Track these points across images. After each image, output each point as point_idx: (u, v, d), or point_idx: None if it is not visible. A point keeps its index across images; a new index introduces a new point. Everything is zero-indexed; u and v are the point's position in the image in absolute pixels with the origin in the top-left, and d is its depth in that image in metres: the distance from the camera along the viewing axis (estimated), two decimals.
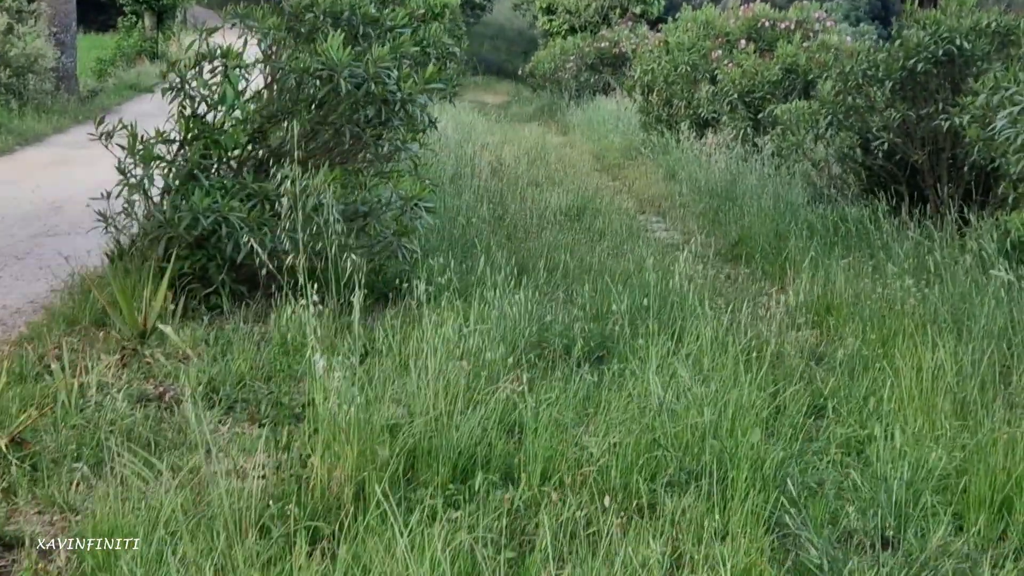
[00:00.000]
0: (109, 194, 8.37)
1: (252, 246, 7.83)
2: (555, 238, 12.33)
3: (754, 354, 7.14)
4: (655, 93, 22.08)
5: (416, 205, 8.50)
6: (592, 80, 34.28)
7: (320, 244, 8.29)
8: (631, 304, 8.36)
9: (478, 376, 6.53)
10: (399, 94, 8.63)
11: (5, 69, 22.78)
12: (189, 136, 8.53)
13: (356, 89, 8.48)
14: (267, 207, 8.29)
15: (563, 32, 44.31)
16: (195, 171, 8.34)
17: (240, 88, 8.50)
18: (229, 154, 8.62)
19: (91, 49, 35.81)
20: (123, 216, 8.47)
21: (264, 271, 8.44)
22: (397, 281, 8.78)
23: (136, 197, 8.38)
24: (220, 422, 6.44)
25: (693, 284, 9.28)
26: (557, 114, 32.34)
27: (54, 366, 6.52)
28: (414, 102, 8.70)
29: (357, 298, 6.47)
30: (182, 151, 8.57)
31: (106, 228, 8.57)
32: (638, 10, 42.14)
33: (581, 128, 27.44)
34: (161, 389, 6.78)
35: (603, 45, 34.98)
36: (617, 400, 6.27)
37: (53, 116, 22.66)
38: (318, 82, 8.62)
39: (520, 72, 44.89)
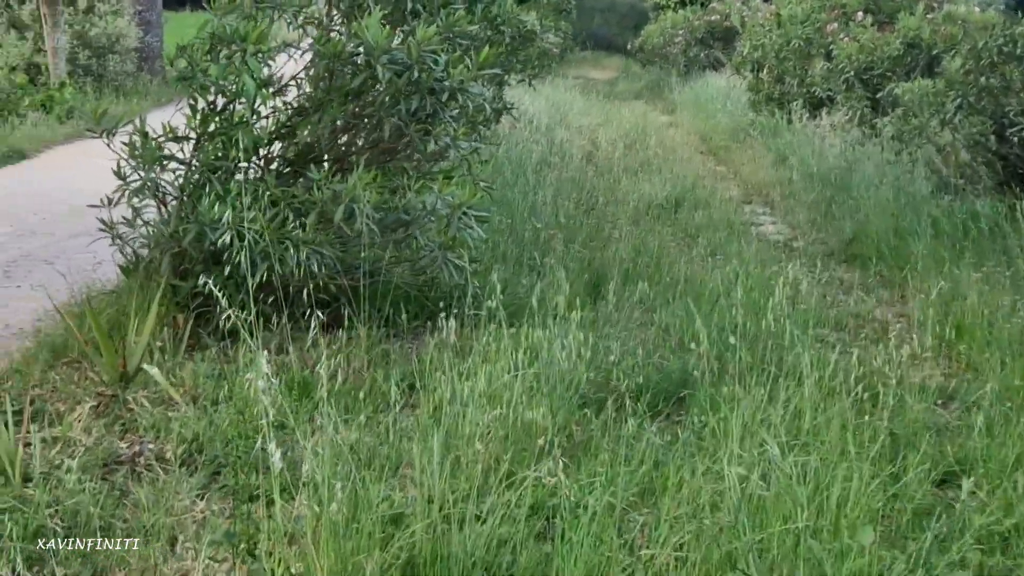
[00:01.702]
0: (110, 201, 7.19)
1: (273, 263, 6.69)
2: (643, 238, 10.98)
3: (866, 396, 5.80)
4: (765, 70, 20.57)
5: (465, 213, 7.19)
6: (701, 55, 32.72)
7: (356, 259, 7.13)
8: (721, 332, 7.03)
9: (511, 442, 5.26)
10: (448, 82, 7.33)
11: (84, 50, 21.93)
12: (204, 133, 7.31)
13: (397, 77, 7.21)
14: (291, 216, 7.04)
15: (673, 5, 42.61)
16: (208, 174, 7.13)
17: (267, 76, 7.26)
18: (249, 155, 7.38)
19: (185, 28, 34.97)
20: (125, 226, 7.27)
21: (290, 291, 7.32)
22: (448, 297, 7.55)
23: (139, 204, 7.19)
24: (199, 495, 5.21)
25: (796, 306, 7.96)
26: (664, 91, 30.87)
27: None
28: (466, 91, 7.38)
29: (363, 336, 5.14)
30: (197, 151, 7.35)
31: (112, 240, 7.41)
32: None
33: (687, 107, 25.99)
34: (136, 448, 5.59)
35: (714, 18, 33.37)
36: (689, 481, 4.91)
37: (133, 98, 21.75)
38: (353, 68, 7.37)
39: (629, 47, 43.36)
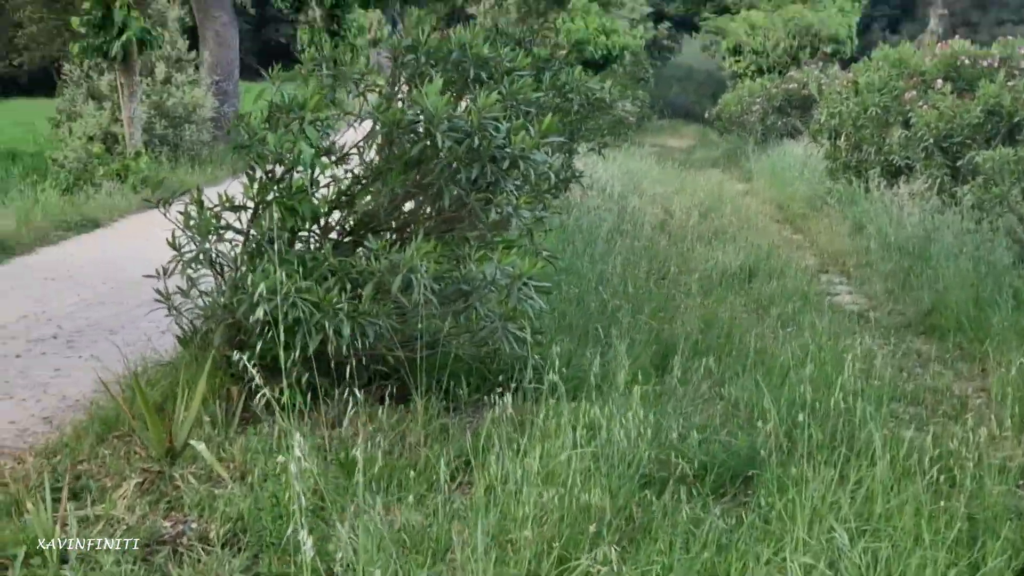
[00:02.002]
0: (165, 271, 7.09)
1: (327, 335, 6.55)
2: (715, 309, 10.73)
3: (942, 478, 5.53)
4: (843, 138, 20.25)
5: (526, 284, 6.99)
6: (779, 123, 32.49)
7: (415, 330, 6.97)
8: (791, 408, 6.78)
9: (567, 524, 5.02)
10: (509, 150, 7.17)
11: (161, 120, 22.13)
12: (262, 202, 7.20)
13: (458, 144, 7.07)
14: (348, 287, 6.89)
15: (751, 74, 42.47)
16: (263, 244, 7.00)
17: (327, 144, 7.16)
18: (307, 224, 7.26)
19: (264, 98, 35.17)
20: (181, 296, 7.16)
21: (349, 363, 7.17)
22: (510, 369, 7.37)
23: (195, 274, 7.08)
24: None
25: (869, 380, 7.68)
26: (741, 160, 30.65)
27: (30, 506, 5.18)
28: (528, 159, 7.22)
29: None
30: (254, 221, 7.23)
31: (169, 311, 7.30)
32: (829, 49, 40.06)
33: (764, 175, 25.75)
34: (179, 528, 5.42)
35: (791, 87, 33.20)
36: (753, 569, 4.65)
37: (208, 167, 21.89)
38: (414, 137, 7.24)
39: (707, 115, 43.30)
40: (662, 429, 6.41)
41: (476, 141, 7.03)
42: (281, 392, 7.02)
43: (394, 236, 7.63)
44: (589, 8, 39.36)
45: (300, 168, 6.97)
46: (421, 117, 7.06)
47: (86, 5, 18.85)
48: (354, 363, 7.33)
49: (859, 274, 14.32)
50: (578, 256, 12.78)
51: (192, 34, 25.45)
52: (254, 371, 5.39)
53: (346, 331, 6.67)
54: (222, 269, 7.21)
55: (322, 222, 7.56)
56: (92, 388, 7.84)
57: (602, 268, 11.90)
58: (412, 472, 5.59)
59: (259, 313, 6.56)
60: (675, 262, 13.61)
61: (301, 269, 6.99)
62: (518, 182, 7.43)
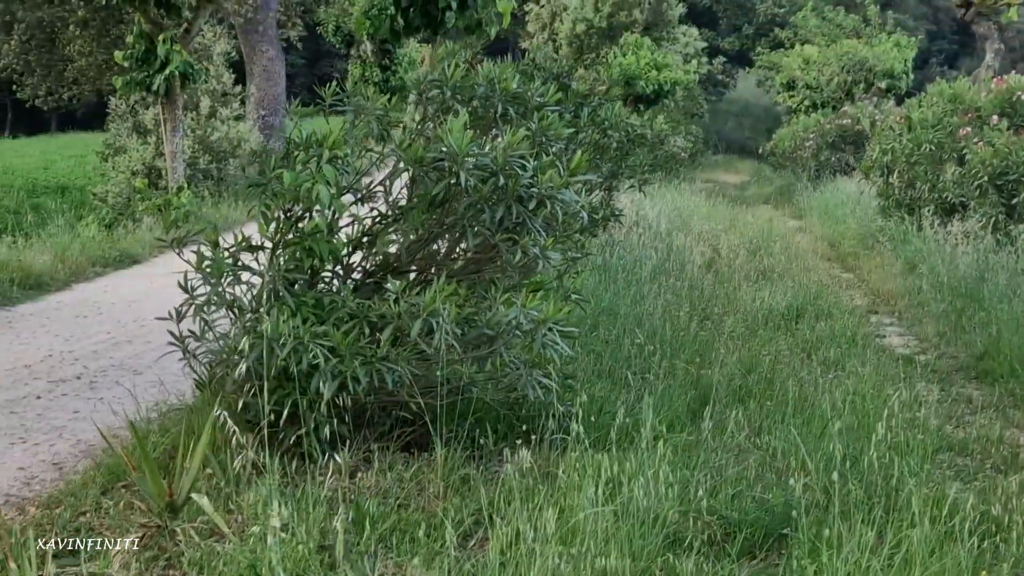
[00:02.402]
0: (179, 313, 6.84)
1: (346, 381, 6.29)
2: (757, 351, 10.38)
3: (987, 542, 5.18)
4: (895, 174, 19.81)
5: (551, 329, 6.68)
6: (832, 159, 32.06)
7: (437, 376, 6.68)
8: (829, 461, 6.43)
9: None
10: (536, 189, 6.88)
11: (205, 154, 22.03)
12: (279, 243, 6.94)
13: (482, 183, 6.79)
14: (367, 332, 6.62)
15: (804, 109, 42.04)
16: (279, 287, 6.74)
17: (348, 182, 6.91)
18: (326, 266, 7.00)
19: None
20: (194, 340, 6.90)
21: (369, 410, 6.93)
22: (537, 416, 7.09)
23: (210, 316, 6.83)
24: None
25: (915, 428, 7.33)
26: (794, 196, 30.23)
27: (13, 566, 4.91)
28: (555, 198, 6.92)
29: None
30: (272, 261, 6.97)
31: (183, 355, 7.04)
32: (884, 85, 39.55)
33: (816, 212, 25.37)
34: None
35: (845, 122, 32.80)
36: None
37: (252, 203, 21.72)
38: (437, 175, 6.96)
39: (760, 151, 42.91)
40: (691, 483, 6.07)
41: (501, 180, 6.74)
42: (297, 441, 6.80)
43: (418, 279, 7.35)
44: (641, 43, 39.17)
45: (317, 208, 6.69)
46: (445, 154, 6.78)
47: (129, 39, 18.79)
48: (375, 410, 7.09)
49: (910, 315, 13.93)
50: (620, 296, 12.48)
51: (238, 68, 25.38)
52: (264, 419, 5.07)
53: (363, 378, 6.39)
54: (240, 312, 6.94)
55: (344, 263, 7.29)
56: (108, 433, 7.59)
57: (642, 309, 11.58)
58: (421, 531, 5.26)
59: (273, 360, 6.31)
60: (720, 302, 13.27)
61: (318, 312, 6.73)
62: (547, 223, 7.11)
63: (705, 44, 56.97)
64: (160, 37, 18.62)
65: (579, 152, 7.19)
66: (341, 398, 6.56)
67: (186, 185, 19.24)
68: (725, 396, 8.69)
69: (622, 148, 10.63)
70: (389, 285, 6.66)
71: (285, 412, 6.50)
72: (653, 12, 47.69)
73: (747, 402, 8.55)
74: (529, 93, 7.95)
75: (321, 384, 6.38)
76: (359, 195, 7.41)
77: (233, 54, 24.87)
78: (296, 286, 7.02)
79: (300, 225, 6.91)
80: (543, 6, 50.61)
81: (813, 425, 7.76)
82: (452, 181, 6.83)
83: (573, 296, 7.39)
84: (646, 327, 10.42)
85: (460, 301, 6.79)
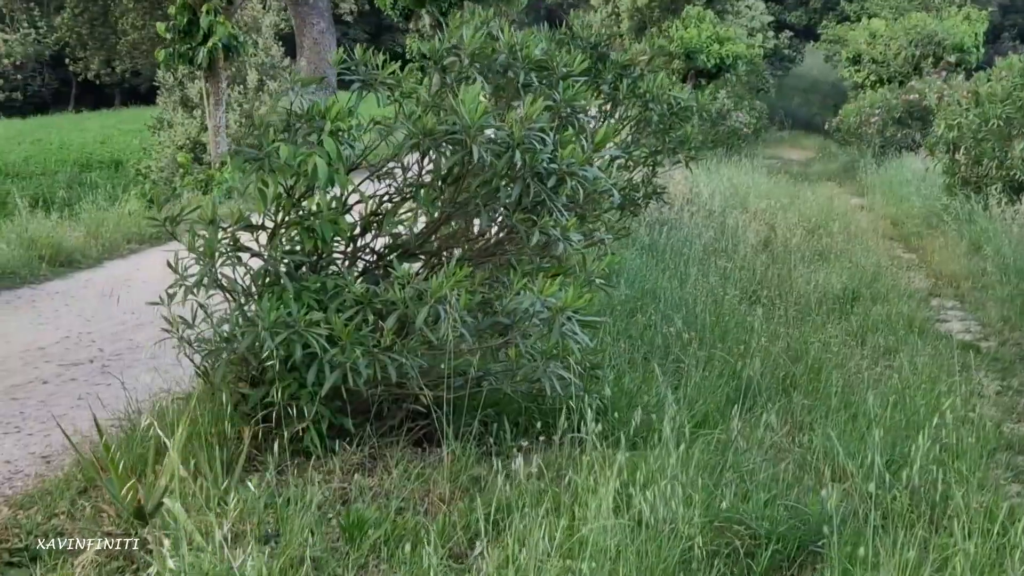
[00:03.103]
0: (171, 297, 6.35)
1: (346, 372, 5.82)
2: (807, 338, 9.78)
3: None
4: (961, 151, 19.05)
5: (570, 318, 6.13)
6: (898, 136, 31.15)
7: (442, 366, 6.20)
8: (872, 466, 5.85)
9: None
10: (556, 165, 6.34)
11: (253, 129, 21.60)
12: (282, 222, 6.45)
13: (497, 159, 6.26)
14: (370, 319, 6.12)
15: (871, 84, 41.02)
16: (276, 269, 6.26)
17: (351, 157, 6.40)
18: (330, 248, 6.50)
19: (366, 109, 34.64)
20: (184, 326, 6.40)
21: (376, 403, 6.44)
22: (556, 412, 6.57)
23: (204, 300, 6.35)
24: None
25: (968, 427, 6.74)
26: (858, 173, 29.40)
27: None
28: (576, 175, 6.38)
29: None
30: (272, 242, 6.48)
31: (179, 342, 6.54)
32: (953, 59, 38.48)
33: (880, 189, 24.58)
34: None
35: (912, 97, 31.85)
36: None
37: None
38: (451, 149, 6.44)
39: (826, 126, 41.98)
40: (717, 489, 5.53)
41: (518, 155, 6.20)
42: (299, 435, 6.33)
43: (431, 261, 6.84)
44: (704, 16, 38.41)
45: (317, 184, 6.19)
46: (457, 127, 6.25)
47: (171, 10, 18.41)
48: (385, 402, 6.61)
49: (973, 298, 13.28)
50: (670, 276, 11.93)
51: (289, 41, 24.95)
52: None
53: (364, 369, 5.90)
54: (239, 295, 6.46)
55: (352, 245, 6.79)
56: (107, 421, 7.15)
57: (687, 292, 11.01)
58: (409, 546, 4.76)
59: (265, 348, 5.84)
60: (772, 284, 12.65)
61: (321, 298, 6.24)
62: (573, 201, 6.57)
63: (772, 18, 55.96)
64: (203, 8, 18.21)
65: (604, 125, 6.63)
66: (345, 390, 6.08)
67: (229, 160, 18.83)
68: (767, 388, 8.12)
69: (664, 122, 10.02)
70: (395, 269, 6.16)
71: (279, 403, 6.03)
72: None
73: (791, 394, 7.98)
74: (555, 62, 7.39)
75: (318, 375, 5.90)
76: (375, 172, 6.91)
77: (283, 26, 24.43)
78: (302, 269, 6.53)
79: (304, 203, 6.40)
80: None
81: (859, 421, 7.19)
82: (465, 156, 6.29)
83: (597, 281, 6.80)
84: (687, 312, 9.86)
85: (474, 286, 6.29)
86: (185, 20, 18.40)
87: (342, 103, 6.29)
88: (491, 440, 6.54)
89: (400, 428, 6.61)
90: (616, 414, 6.84)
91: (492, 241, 6.97)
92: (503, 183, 6.37)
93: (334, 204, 6.37)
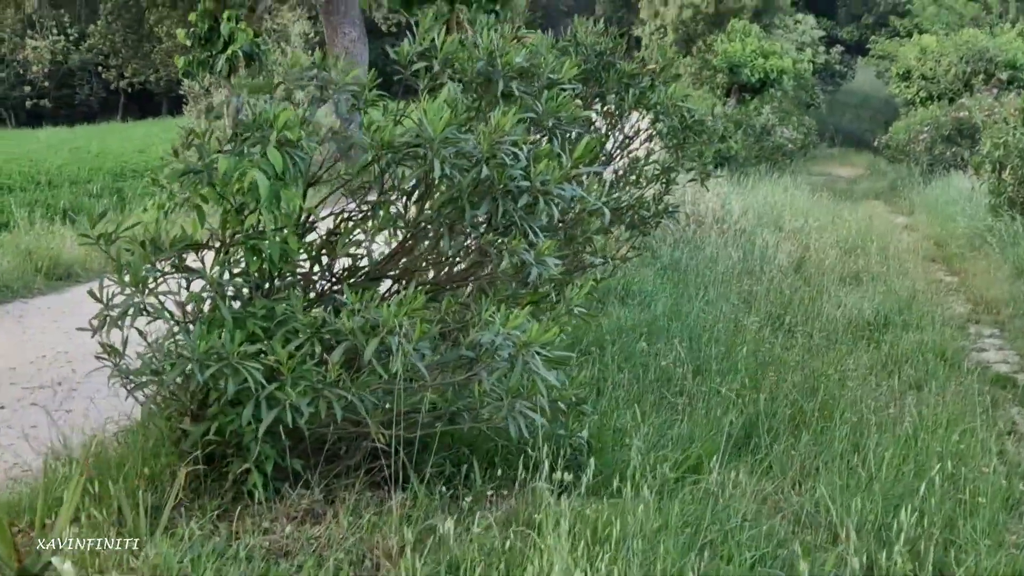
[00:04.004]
0: (103, 325, 5.76)
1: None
2: (829, 367, 9.11)
3: None
4: (1008, 171, 18.25)
5: (539, 353, 5.49)
6: (947, 154, 30.28)
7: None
8: (882, 517, 5.22)
9: None
10: (530, 182, 5.72)
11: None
12: (225, 242, 5.86)
13: (462, 174, 5.65)
14: (317, 350, 5.52)
15: (920, 100, 40.08)
16: (224, 293, 5.69)
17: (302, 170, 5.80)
18: (278, 270, 5.90)
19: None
20: (116, 358, 5.81)
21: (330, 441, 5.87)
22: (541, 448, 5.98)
23: (127, 329, 5.74)
24: None
25: (989, 481, 6.08)
26: (905, 191, 28.56)
27: None
28: (550, 193, 5.75)
29: None
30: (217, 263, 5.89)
31: (114, 371, 5.93)
32: (1005, 76, 37.46)
33: (926, 208, 23.77)
34: None
35: (962, 115, 30.95)
36: None
37: (322, 189, 20.80)
38: (413, 164, 5.83)
39: (876, 143, 41.09)
40: (694, 550, 4.89)
41: (485, 170, 5.59)
42: (243, 476, 5.76)
43: (397, 286, 6.24)
44: (749, 30, 37.67)
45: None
46: (420, 139, 5.65)
47: (192, 17, 17.97)
48: (340, 441, 6.03)
49: (1014, 327, 12.52)
50: (689, 298, 11.30)
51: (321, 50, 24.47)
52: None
53: (306, 408, 5.30)
54: (174, 322, 5.86)
55: (312, 267, 6.20)
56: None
57: (701, 317, 10.37)
58: None
59: (194, 383, 5.26)
60: (800, 308, 11.96)
61: (268, 326, 5.65)
62: (543, 221, 5.95)
63: (823, 33, 55.10)
64: (224, 15, 17.75)
65: (585, 139, 6.01)
66: (296, 427, 5.49)
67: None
68: (776, 426, 7.47)
69: (676, 135, 9.38)
70: (345, 295, 5.56)
71: (223, 440, 5.45)
72: None
73: (800, 434, 7.32)
74: (541, 69, 6.77)
75: (255, 413, 5.31)
76: (340, 186, 6.34)
77: (313, 35, 23.95)
78: (255, 292, 5.95)
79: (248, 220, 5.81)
80: None
81: (870, 466, 6.52)
82: (425, 171, 5.69)
83: (576, 310, 6.16)
84: (696, 339, 9.23)
85: (439, 315, 5.69)
86: (207, 27, 17.94)
87: (291, 111, 5.69)
88: (460, 482, 5.98)
89: (358, 469, 6.02)
90: (596, 457, 6.23)
91: (465, 265, 6.35)
92: (471, 201, 5.75)
93: (281, 222, 5.77)
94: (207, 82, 21.47)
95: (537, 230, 5.89)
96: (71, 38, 31.61)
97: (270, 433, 5.51)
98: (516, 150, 5.71)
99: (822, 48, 54.94)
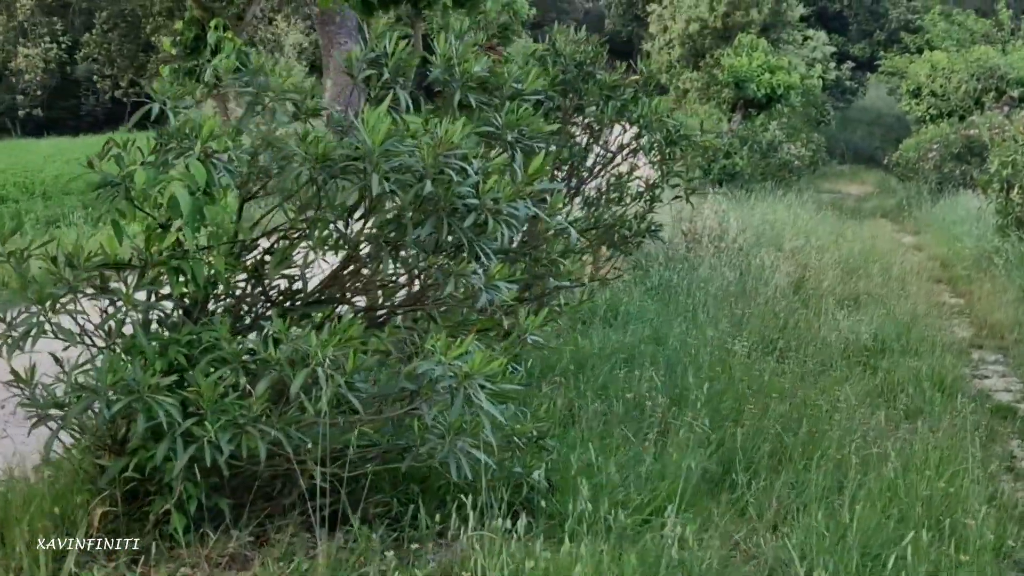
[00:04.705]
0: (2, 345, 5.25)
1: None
2: (820, 396, 8.63)
3: None
4: (1016, 190, 17.72)
5: (483, 386, 4.99)
6: (957, 172, 29.75)
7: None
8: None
9: None
10: (480, 200, 5.24)
11: (268, 151, 20.72)
12: (147, 262, 5.37)
13: (404, 191, 5.17)
14: (241, 382, 5.04)
15: (930, 117, 39.50)
16: (130, 319, 5.22)
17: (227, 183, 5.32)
18: (205, 293, 5.42)
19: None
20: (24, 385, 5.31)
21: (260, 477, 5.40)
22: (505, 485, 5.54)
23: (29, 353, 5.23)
24: None
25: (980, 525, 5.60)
26: (912, 210, 28.02)
27: None
28: (501, 212, 5.26)
29: None
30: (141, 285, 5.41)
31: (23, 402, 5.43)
32: (1016, 93, 36.88)
33: (933, 227, 23.22)
34: None
35: (971, 132, 30.42)
36: None
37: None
38: (352, 179, 5.36)
39: (886, 161, 40.56)
40: None
41: (428, 186, 5.11)
42: (166, 516, 5.28)
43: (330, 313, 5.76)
44: (757, 44, 37.13)
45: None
46: (358, 152, 5.18)
47: (178, 26, 17.53)
48: (276, 478, 5.55)
49: (1018, 352, 11.99)
50: (678, 321, 10.81)
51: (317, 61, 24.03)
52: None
53: (227, 445, 4.82)
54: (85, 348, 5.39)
55: (243, 290, 5.72)
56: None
57: (693, 340, 9.89)
58: None
59: (100, 417, 4.79)
60: (795, 331, 11.46)
61: (191, 353, 5.17)
62: (495, 244, 5.46)
63: (834, 49, 54.54)
64: (212, 23, 17.28)
65: (541, 154, 5.53)
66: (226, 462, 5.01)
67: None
68: (757, 461, 6.98)
69: (660, 150, 8.90)
70: (272, 323, 5.08)
71: (126, 471, 4.97)
72: (772, 12, 45.43)
73: (780, 472, 6.83)
74: (503, 79, 6.30)
75: (170, 452, 4.84)
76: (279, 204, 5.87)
77: (307, 46, 23.50)
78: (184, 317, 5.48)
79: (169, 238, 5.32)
80: (665, 7, 48.56)
81: (855, 506, 6.02)
82: (362, 186, 5.22)
83: (531, 339, 5.65)
84: (675, 365, 8.75)
85: (380, 345, 5.22)
86: (193, 35, 17.52)
87: (216, 119, 5.22)
88: (407, 523, 5.52)
89: (295, 508, 5.54)
90: (558, 497, 5.77)
91: (417, 288, 5.88)
92: (414, 221, 5.27)
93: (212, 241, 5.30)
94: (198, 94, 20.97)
95: (490, 252, 5.41)
96: (63, 46, 31.16)
97: (196, 469, 5.04)
98: (464, 164, 5.22)
99: (833, 64, 54.35)
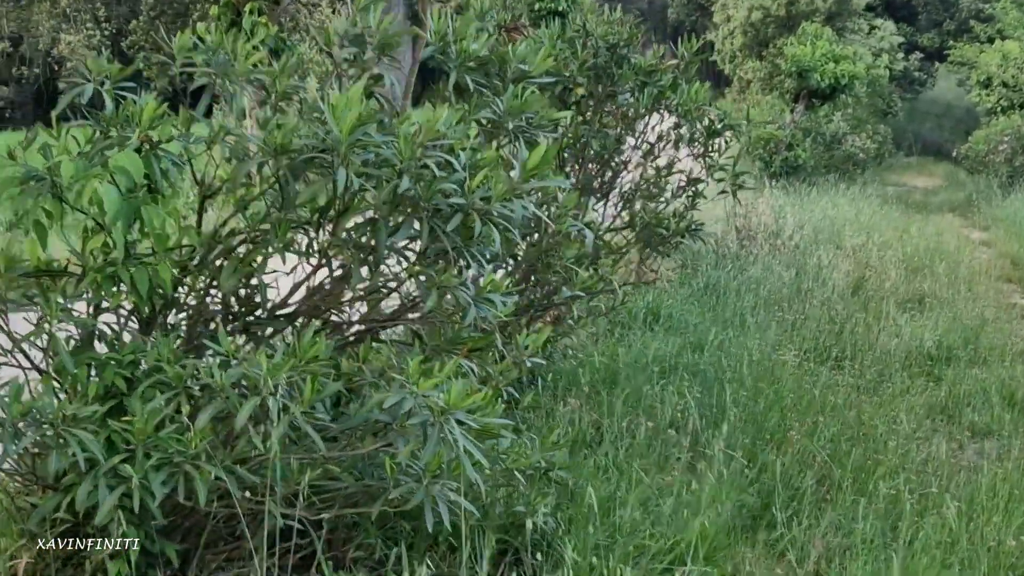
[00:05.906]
0: None
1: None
2: (872, 417, 7.78)
3: None
4: None
5: (461, 422, 4.20)
6: None
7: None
8: None
9: None
10: (467, 198, 4.45)
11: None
12: (87, 267, 4.63)
13: (379, 187, 4.40)
14: (185, 408, 4.28)
15: (1002, 109, 38.24)
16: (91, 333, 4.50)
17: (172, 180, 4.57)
18: (148, 304, 4.67)
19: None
20: None
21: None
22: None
23: None
24: None
25: None
26: (982, 205, 26.91)
27: None
28: (491, 213, 4.47)
29: None
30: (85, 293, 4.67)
31: None
32: None
33: (1004, 224, 22.11)
34: None
35: None
36: None
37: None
38: (319, 172, 4.60)
39: (955, 153, 39.41)
40: None
41: (405, 183, 4.33)
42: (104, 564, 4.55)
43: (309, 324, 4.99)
44: (821, 32, 36.04)
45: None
46: (324, 142, 4.40)
47: (213, 10, 16.80)
48: (237, 518, 4.80)
49: None
50: (729, 326, 10.00)
51: None
52: None
53: (160, 488, 4.07)
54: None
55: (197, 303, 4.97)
56: None
57: (747, 346, 9.08)
58: None
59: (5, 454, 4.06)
60: (852, 337, 10.59)
61: (132, 375, 4.43)
62: (488, 247, 4.67)
63: (902, 39, 53.21)
64: (247, 7, 16.60)
65: (542, 145, 4.72)
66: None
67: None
68: (801, 494, 6.16)
69: (702, 142, 8.09)
70: (218, 341, 4.32)
71: (59, 511, 4.25)
72: (837, 1, 44.26)
73: (826, 508, 6.00)
74: (508, 60, 5.51)
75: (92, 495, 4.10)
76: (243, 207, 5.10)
77: None
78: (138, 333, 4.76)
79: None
80: None
81: (908, 558, 5.19)
82: (328, 182, 4.46)
83: (528, 361, 4.86)
84: (719, 379, 7.93)
85: (355, 365, 4.47)
86: (228, 20, 16.80)
87: (155, 104, 4.46)
88: (390, 569, 4.78)
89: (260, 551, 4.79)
90: (570, 539, 5.00)
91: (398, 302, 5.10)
92: (383, 222, 4.50)
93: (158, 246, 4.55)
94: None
95: (482, 259, 4.62)
96: (106, 32, 30.63)
97: (136, 510, 4.29)
98: (449, 158, 4.43)
99: (900, 55, 53.04)
